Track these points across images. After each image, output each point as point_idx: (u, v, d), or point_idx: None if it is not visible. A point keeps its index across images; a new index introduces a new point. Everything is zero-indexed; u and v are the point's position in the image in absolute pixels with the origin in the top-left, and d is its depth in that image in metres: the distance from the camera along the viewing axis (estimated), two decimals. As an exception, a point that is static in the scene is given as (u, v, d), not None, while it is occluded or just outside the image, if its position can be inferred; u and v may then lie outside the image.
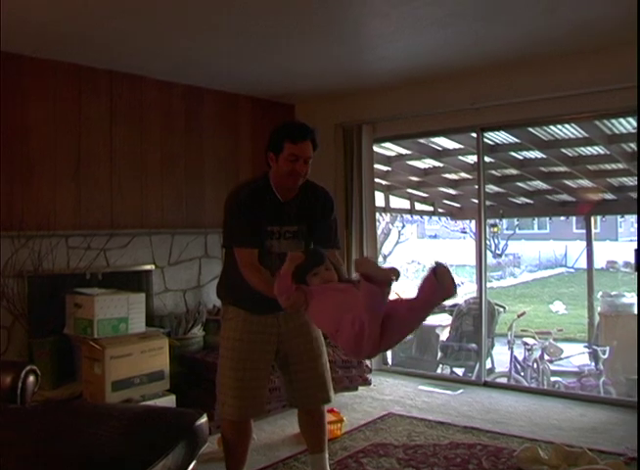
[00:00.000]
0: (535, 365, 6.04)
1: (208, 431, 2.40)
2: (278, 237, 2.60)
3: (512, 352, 6.13)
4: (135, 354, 3.57)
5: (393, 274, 1.89)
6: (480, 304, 5.09)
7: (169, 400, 3.69)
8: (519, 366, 6.11)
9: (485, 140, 5.41)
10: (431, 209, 9.26)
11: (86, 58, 4.08)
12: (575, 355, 6.66)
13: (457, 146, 6.30)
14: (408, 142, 6.26)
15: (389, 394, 4.62)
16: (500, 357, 6.41)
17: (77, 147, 4.20)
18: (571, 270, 16.24)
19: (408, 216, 13.11)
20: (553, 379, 6.05)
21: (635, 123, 5.00)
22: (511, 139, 6.00)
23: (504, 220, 15.00)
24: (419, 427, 3.86)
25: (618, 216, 15.06)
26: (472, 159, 6.30)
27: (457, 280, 1.99)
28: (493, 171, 7.04)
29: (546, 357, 6.16)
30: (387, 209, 8.61)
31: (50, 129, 4.06)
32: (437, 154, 6.64)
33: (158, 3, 3.17)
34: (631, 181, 6.50)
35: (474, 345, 5.83)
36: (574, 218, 15.44)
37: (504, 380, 5.80)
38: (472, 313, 6.14)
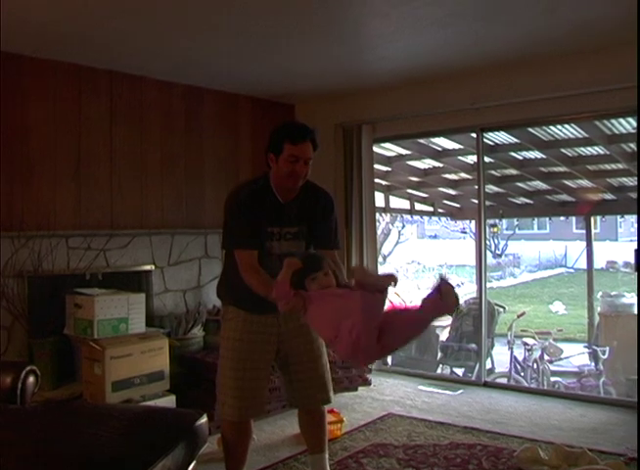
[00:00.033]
0: (535, 365, 6.03)
1: (208, 431, 2.41)
2: (278, 238, 2.59)
3: (512, 353, 6.12)
4: (135, 355, 3.57)
5: (390, 281, 1.89)
6: (480, 304, 5.09)
7: (169, 401, 3.69)
8: (519, 366, 6.10)
9: (485, 140, 5.40)
10: (430, 209, 9.26)
11: (86, 58, 4.08)
12: (575, 356, 6.66)
13: (457, 146, 6.29)
14: (408, 142, 6.25)
15: (389, 394, 4.62)
16: (500, 358, 6.40)
17: (77, 147, 4.19)
18: (571, 270, 16.24)
19: (408, 217, 13.12)
20: (553, 379, 6.04)
21: (635, 123, 5.00)
22: (511, 139, 5.99)
23: (504, 220, 15.00)
24: (419, 427, 3.86)
25: (618, 217, 15.06)
26: (472, 159, 6.29)
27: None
28: (493, 172, 7.04)
29: (546, 358, 6.15)
30: (387, 209, 8.61)
31: (50, 129, 4.06)
32: (437, 154, 6.64)
33: (158, 3, 3.17)
34: (631, 181, 6.49)
35: (474, 345, 5.83)
36: (574, 219, 15.43)
37: (504, 380, 5.79)
38: (472, 314, 6.14)
